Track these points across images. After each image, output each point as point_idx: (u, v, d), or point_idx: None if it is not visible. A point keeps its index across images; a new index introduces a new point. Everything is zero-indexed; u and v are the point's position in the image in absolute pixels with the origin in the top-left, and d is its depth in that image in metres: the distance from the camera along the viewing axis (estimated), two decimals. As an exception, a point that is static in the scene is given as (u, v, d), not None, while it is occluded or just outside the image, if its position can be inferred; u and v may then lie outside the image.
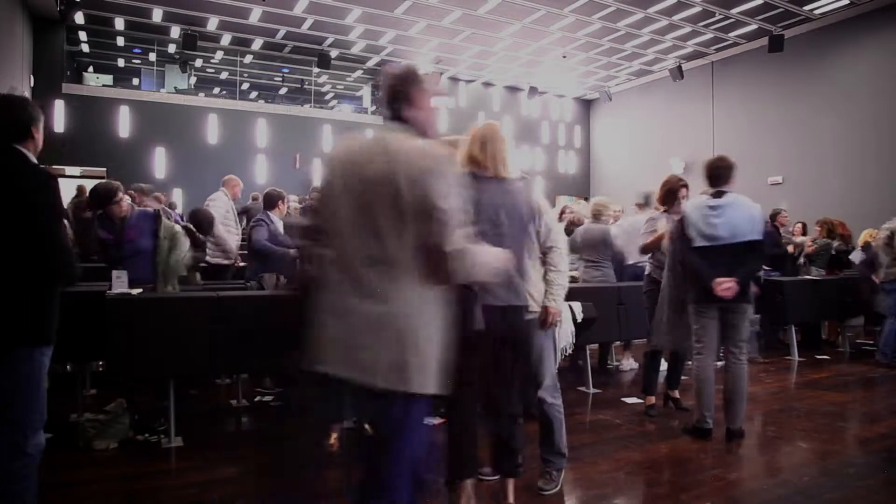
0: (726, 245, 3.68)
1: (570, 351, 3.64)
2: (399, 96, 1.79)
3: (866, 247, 7.00)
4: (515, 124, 18.56)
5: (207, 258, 5.72)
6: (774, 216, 7.54)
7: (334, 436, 2.53)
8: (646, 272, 4.64)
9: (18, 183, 2.11)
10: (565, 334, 3.44)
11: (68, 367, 4.52)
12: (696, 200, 3.98)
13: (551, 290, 2.83)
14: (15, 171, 2.12)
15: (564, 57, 15.04)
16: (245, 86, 16.84)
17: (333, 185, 1.70)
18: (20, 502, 2.09)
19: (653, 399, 4.39)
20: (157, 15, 12.70)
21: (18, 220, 2.08)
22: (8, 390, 2.08)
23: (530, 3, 11.87)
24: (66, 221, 4.29)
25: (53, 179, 2.17)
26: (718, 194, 3.84)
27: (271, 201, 5.24)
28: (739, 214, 3.74)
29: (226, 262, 5.97)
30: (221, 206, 6.07)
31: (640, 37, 13.68)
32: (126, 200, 4.14)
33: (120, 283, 3.66)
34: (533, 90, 17.26)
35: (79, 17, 13.06)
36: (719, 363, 4.02)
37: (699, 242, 3.74)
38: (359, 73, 17.13)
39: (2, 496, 2.08)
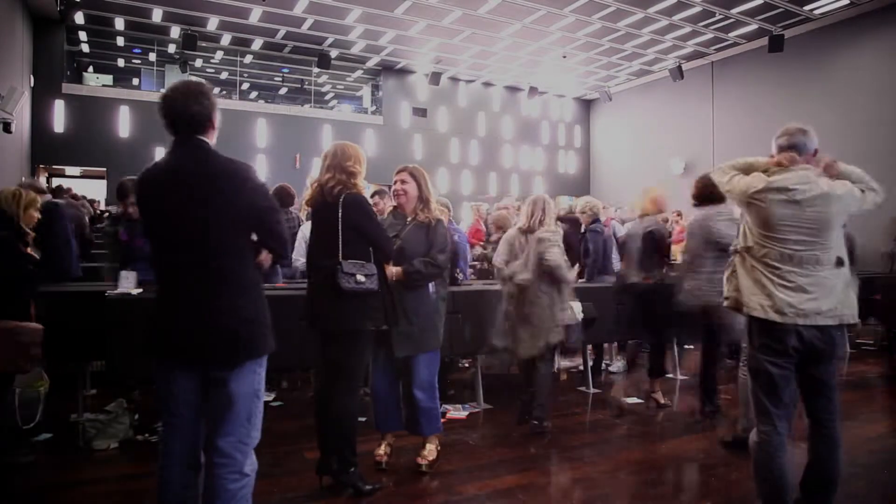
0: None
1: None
2: None
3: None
4: (515, 124, 18.57)
5: None
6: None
7: None
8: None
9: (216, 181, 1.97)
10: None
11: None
12: None
13: None
14: (209, 166, 1.98)
15: (564, 57, 15.04)
16: (245, 86, 16.84)
17: None
18: None
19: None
20: (157, 15, 12.70)
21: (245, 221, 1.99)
22: (230, 406, 1.94)
23: (530, 3, 11.87)
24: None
25: (251, 170, 2.07)
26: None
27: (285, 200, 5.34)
28: None
29: None
30: None
31: (640, 37, 13.68)
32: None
33: (127, 284, 3.64)
34: (533, 90, 17.26)
35: (79, 17, 13.06)
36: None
37: None
38: (359, 73, 17.13)
39: None
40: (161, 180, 2.00)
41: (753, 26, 12.91)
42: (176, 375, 1.96)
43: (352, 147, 2.91)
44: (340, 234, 2.74)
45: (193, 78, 15.37)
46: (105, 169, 13.40)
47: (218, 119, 2.08)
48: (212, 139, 2.07)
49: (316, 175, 2.92)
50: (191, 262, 1.94)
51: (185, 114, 2.01)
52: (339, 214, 2.74)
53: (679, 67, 14.79)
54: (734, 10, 12.15)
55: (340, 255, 2.72)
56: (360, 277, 2.71)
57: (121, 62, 15.86)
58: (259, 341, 1.98)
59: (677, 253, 5.75)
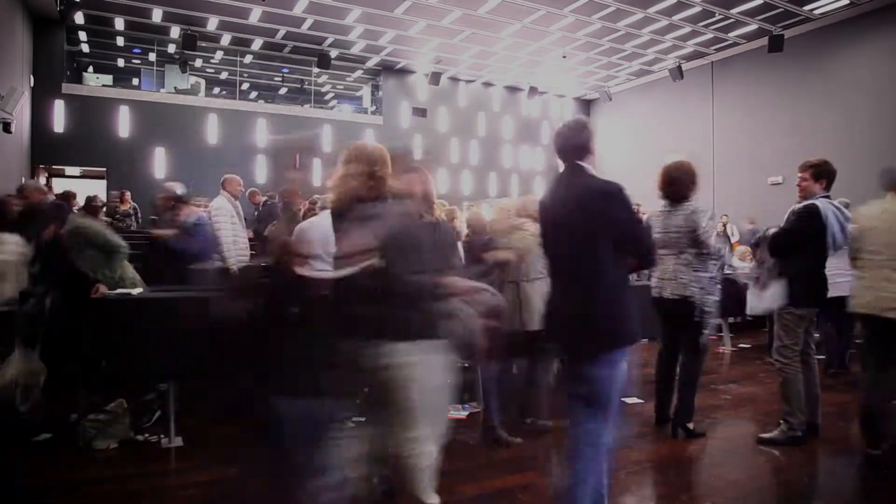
0: None
1: None
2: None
3: None
4: (515, 124, 18.57)
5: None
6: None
7: None
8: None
9: (591, 200, 2.30)
10: None
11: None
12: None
13: None
14: (586, 188, 2.32)
15: (564, 57, 15.04)
16: (245, 86, 16.84)
17: None
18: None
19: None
20: (157, 15, 12.70)
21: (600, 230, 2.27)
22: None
23: (530, 3, 11.87)
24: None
25: (622, 191, 2.30)
26: None
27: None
28: None
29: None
30: (226, 215, 5.59)
31: (640, 37, 13.68)
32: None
33: None
34: (533, 90, 17.25)
35: (79, 17, 13.06)
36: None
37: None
38: (359, 73, 17.13)
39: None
40: (555, 197, 2.40)
41: (753, 26, 12.91)
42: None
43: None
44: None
45: (193, 78, 15.56)
46: (105, 169, 13.40)
47: (595, 144, 2.46)
48: (591, 163, 2.43)
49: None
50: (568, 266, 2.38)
51: (569, 144, 2.39)
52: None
53: (679, 67, 14.79)
54: (734, 10, 12.15)
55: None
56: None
57: (121, 62, 15.85)
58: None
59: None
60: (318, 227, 2.98)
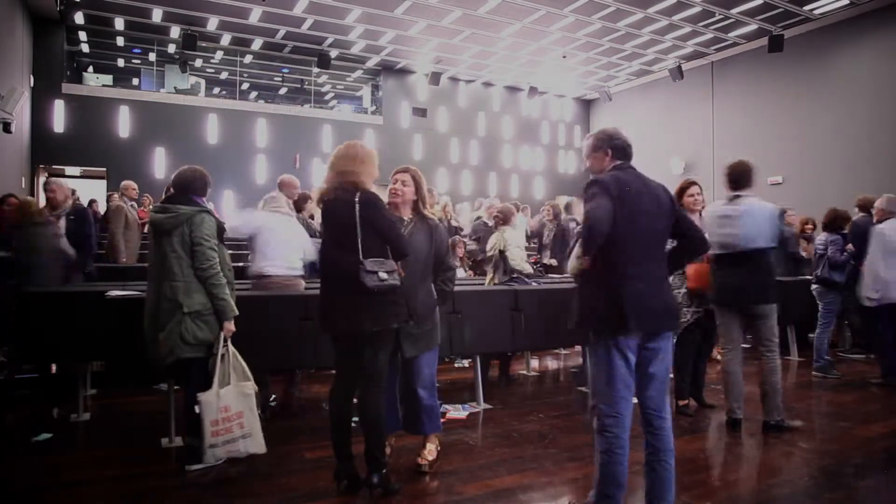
0: (744, 252, 3.82)
1: None
2: None
3: None
4: (515, 124, 18.57)
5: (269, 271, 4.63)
6: (780, 215, 7.32)
7: None
8: None
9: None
10: None
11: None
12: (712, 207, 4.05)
13: None
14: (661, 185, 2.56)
15: (564, 57, 15.04)
16: (245, 86, 16.84)
17: None
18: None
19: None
20: (157, 15, 12.70)
21: None
22: None
23: (530, 3, 11.87)
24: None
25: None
26: (735, 199, 3.89)
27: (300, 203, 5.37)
28: (756, 221, 3.80)
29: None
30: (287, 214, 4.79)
31: (640, 37, 13.68)
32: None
33: None
34: (533, 90, 17.26)
35: (79, 17, 13.06)
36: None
37: (716, 250, 3.86)
38: (359, 73, 17.13)
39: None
40: (639, 190, 2.45)
41: (753, 26, 12.91)
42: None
43: (362, 146, 2.90)
44: (359, 231, 2.70)
45: (193, 78, 15.56)
46: (105, 169, 13.40)
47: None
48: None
49: (327, 174, 2.87)
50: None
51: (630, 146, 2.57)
52: (357, 212, 2.70)
53: (679, 67, 14.79)
54: (734, 10, 12.15)
55: (361, 253, 2.68)
56: (383, 274, 2.68)
57: (121, 62, 15.86)
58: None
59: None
60: None
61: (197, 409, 3.01)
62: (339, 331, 2.80)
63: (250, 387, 3.12)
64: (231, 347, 3.13)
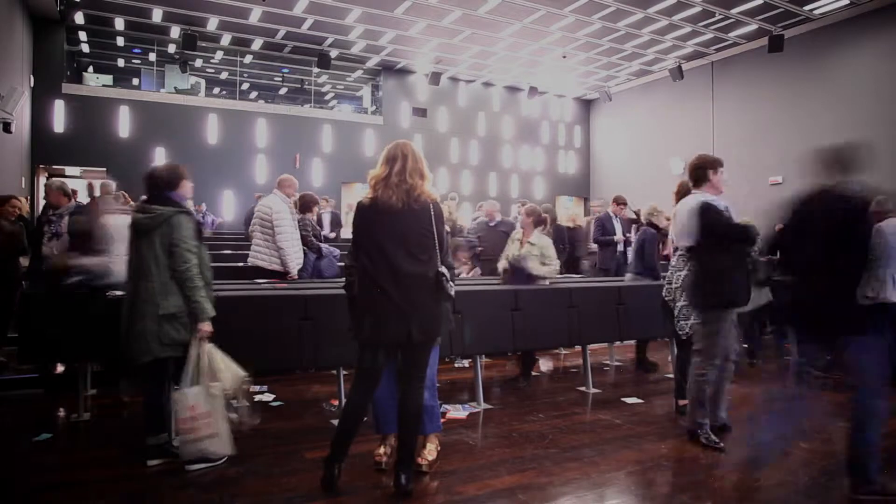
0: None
1: None
2: None
3: None
4: (515, 124, 18.58)
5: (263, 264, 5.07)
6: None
7: None
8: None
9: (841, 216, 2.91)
10: None
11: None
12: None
13: None
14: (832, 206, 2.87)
15: (564, 57, 15.05)
16: (245, 86, 16.85)
17: None
18: None
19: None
20: (157, 15, 12.71)
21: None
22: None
23: (530, 3, 11.87)
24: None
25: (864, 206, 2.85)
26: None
27: (307, 205, 5.42)
28: (681, 219, 3.82)
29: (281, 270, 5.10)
30: (288, 217, 5.12)
31: (640, 37, 13.69)
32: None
33: None
34: (533, 90, 17.26)
35: (79, 17, 13.07)
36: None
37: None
38: (359, 73, 17.14)
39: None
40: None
41: (753, 26, 12.92)
42: None
43: (417, 150, 2.92)
44: (437, 239, 2.80)
45: (193, 78, 15.56)
46: (105, 169, 13.39)
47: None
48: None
49: (378, 172, 2.84)
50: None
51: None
52: (433, 220, 2.80)
53: (679, 67, 14.80)
54: (734, 10, 12.15)
55: (440, 261, 2.80)
56: (452, 283, 2.84)
57: (121, 62, 15.87)
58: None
59: None
60: None
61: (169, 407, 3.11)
62: (407, 340, 2.77)
63: (219, 388, 3.11)
64: (208, 347, 3.13)
